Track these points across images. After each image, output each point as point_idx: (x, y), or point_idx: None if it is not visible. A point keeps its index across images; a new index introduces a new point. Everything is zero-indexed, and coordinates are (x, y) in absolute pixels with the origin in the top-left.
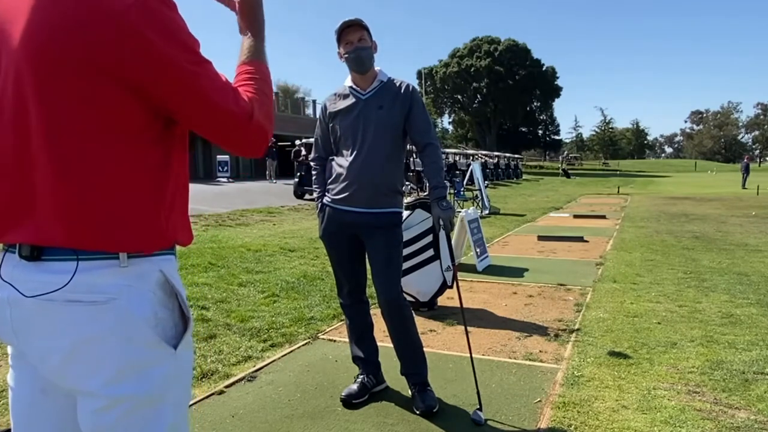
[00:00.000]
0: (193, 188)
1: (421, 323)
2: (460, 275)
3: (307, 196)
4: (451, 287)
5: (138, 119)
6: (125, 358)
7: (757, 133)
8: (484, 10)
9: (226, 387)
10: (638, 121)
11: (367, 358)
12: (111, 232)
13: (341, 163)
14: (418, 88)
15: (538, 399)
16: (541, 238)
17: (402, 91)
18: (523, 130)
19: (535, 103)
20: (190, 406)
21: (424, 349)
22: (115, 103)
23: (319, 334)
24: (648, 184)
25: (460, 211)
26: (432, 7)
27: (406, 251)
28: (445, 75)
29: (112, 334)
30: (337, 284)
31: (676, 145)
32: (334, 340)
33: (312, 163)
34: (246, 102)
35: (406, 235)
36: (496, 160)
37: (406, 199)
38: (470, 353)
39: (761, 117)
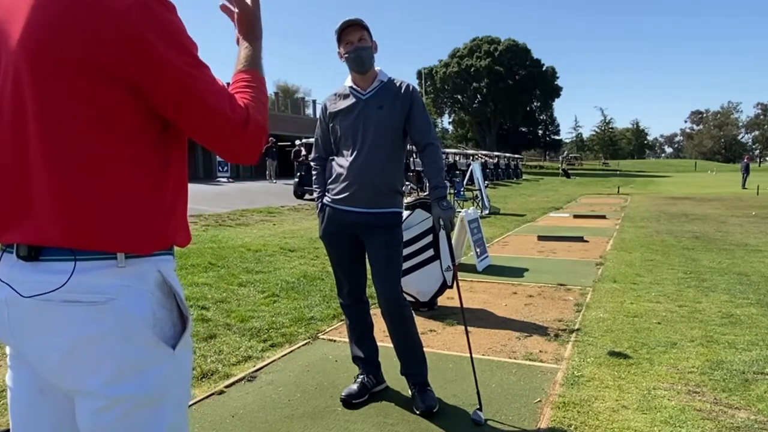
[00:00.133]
0: (193, 188)
1: (421, 323)
2: (460, 275)
3: (307, 196)
4: (451, 287)
5: (137, 120)
6: (124, 358)
7: (757, 133)
8: (484, 10)
9: (226, 387)
10: (638, 121)
11: (367, 358)
12: (109, 232)
13: (341, 163)
14: (418, 88)
15: (538, 399)
16: (541, 238)
17: (402, 91)
18: (523, 130)
19: (535, 103)
20: (190, 406)
21: (424, 349)
22: (113, 103)
23: (319, 334)
24: (648, 184)
25: (460, 211)
26: (432, 7)
27: (406, 251)
28: (445, 75)
29: (111, 335)
30: (337, 284)
31: (676, 145)
32: (334, 340)
33: (312, 163)
34: (242, 108)
35: (406, 235)
36: (496, 160)
37: (406, 199)
38: (470, 353)
39: (761, 117)
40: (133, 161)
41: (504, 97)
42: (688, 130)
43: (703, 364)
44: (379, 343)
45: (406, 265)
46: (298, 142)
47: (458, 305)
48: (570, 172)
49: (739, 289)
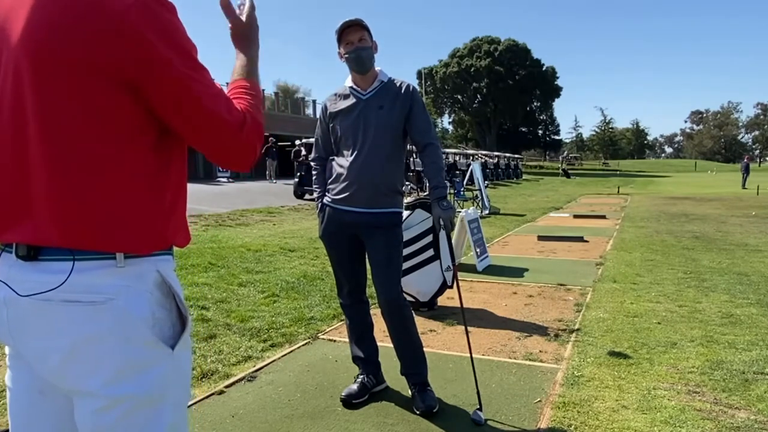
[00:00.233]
0: (193, 188)
1: (421, 323)
2: (460, 275)
3: (307, 196)
4: (451, 287)
5: (137, 120)
6: (124, 358)
7: (757, 133)
8: (484, 10)
9: (226, 387)
10: (638, 121)
11: (367, 358)
12: (109, 232)
13: (341, 163)
14: (418, 88)
15: (538, 399)
16: (541, 238)
17: (402, 91)
18: (523, 130)
19: (535, 103)
20: (190, 406)
21: (424, 349)
22: (113, 103)
23: (319, 334)
24: (648, 184)
25: (460, 211)
26: (432, 8)
27: (406, 251)
28: (445, 75)
29: (111, 335)
30: (337, 284)
31: (676, 145)
32: (334, 340)
33: (312, 163)
34: (239, 111)
35: (406, 235)
36: (496, 160)
37: (406, 199)
38: (470, 353)
39: (761, 117)
40: (133, 161)
41: (504, 97)
42: (688, 130)
43: (703, 364)
44: (379, 343)
45: (406, 265)
46: (298, 142)
47: (458, 305)
48: (570, 172)
49: (739, 289)
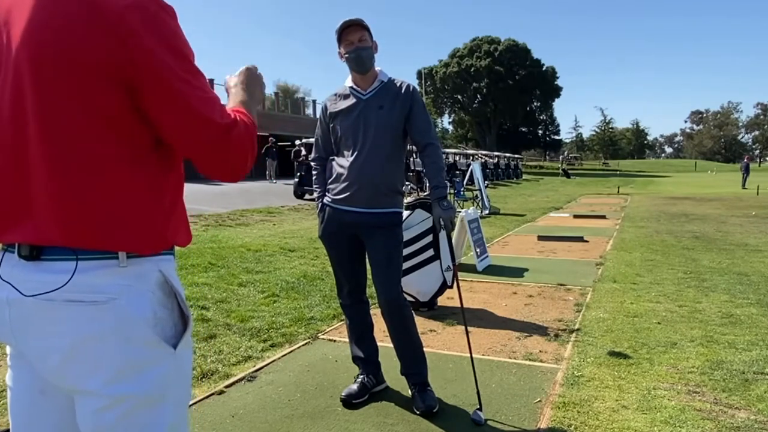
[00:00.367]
0: (193, 188)
1: (421, 323)
2: (460, 275)
3: (307, 196)
4: (451, 287)
5: (136, 120)
6: (125, 357)
7: (757, 133)
8: (484, 10)
9: (226, 387)
10: (638, 121)
11: (367, 358)
12: (109, 232)
13: (342, 163)
14: (418, 88)
15: (538, 399)
16: (541, 238)
17: (402, 91)
18: (523, 130)
19: (535, 103)
20: (190, 406)
21: (424, 349)
22: (113, 103)
23: (319, 334)
24: (648, 184)
25: (460, 211)
26: (432, 8)
27: (406, 251)
28: (445, 75)
29: (112, 334)
30: (337, 284)
31: (676, 145)
32: (334, 340)
33: (312, 163)
34: (231, 117)
35: (406, 235)
36: (496, 160)
37: (406, 199)
38: (470, 353)
39: (761, 117)
40: (133, 161)
41: (504, 97)
42: (688, 130)
43: (703, 364)
44: (379, 343)
45: (406, 265)
46: (298, 142)
47: (458, 305)
48: (570, 172)
49: (739, 289)
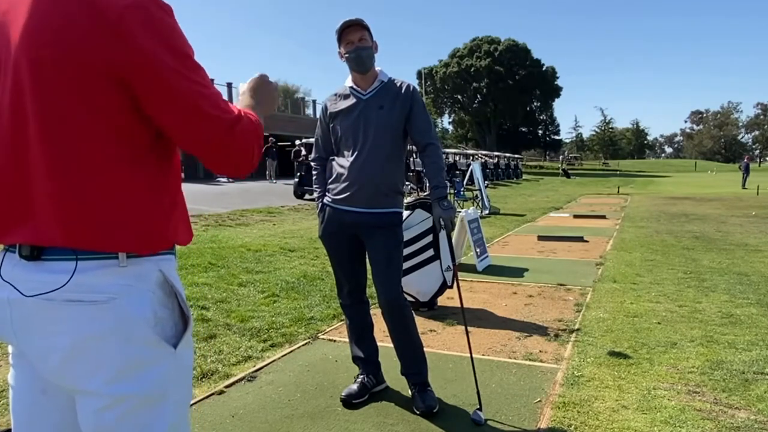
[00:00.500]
0: (193, 188)
1: (421, 323)
2: (460, 275)
3: (307, 196)
4: (451, 287)
5: (136, 120)
6: (125, 357)
7: (757, 133)
8: (484, 10)
9: (226, 387)
10: (638, 121)
11: (367, 358)
12: (110, 232)
13: (342, 163)
14: (418, 88)
15: (538, 399)
16: (541, 238)
17: (402, 91)
18: (523, 130)
19: (535, 103)
20: (190, 406)
21: (424, 349)
22: (113, 103)
23: (319, 334)
24: (648, 184)
25: (460, 211)
26: (432, 8)
27: (406, 251)
28: (445, 75)
29: (112, 334)
30: (337, 284)
31: (676, 145)
32: (334, 340)
33: (312, 163)
34: (234, 113)
35: (406, 235)
36: (496, 160)
37: (406, 199)
38: (470, 353)
39: (761, 117)
40: (133, 161)
41: (504, 97)
42: (688, 130)
43: (703, 364)
44: (379, 343)
45: (406, 265)
46: (298, 142)
47: (458, 305)
48: (570, 172)
49: (739, 289)
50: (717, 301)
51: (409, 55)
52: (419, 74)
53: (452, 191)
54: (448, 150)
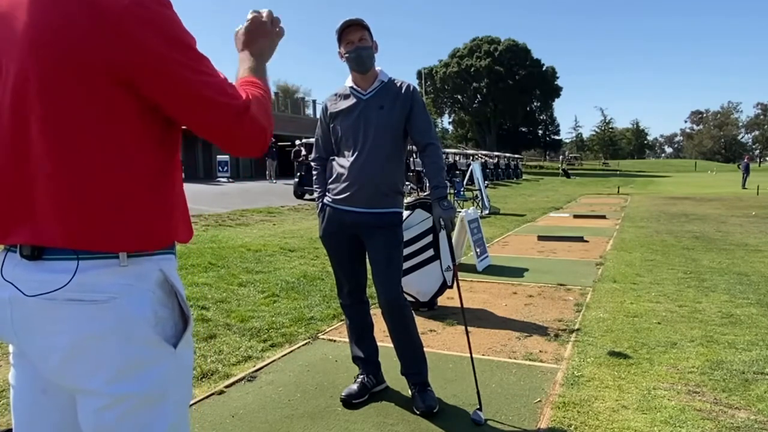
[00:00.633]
0: (193, 188)
1: (421, 323)
2: (460, 275)
3: (307, 196)
4: (451, 287)
5: (139, 119)
6: (125, 356)
7: (757, 133)
8: (484, 10)
9: (226, 387)
10: (638, 121)
11: (367, 358)
12: (111, 232)
13: (342, 163)
14: (418, 88)
15: (538, 399)
16: (541, 238)
17: (403, 91)
18: (523, 130)
19: (535, 103)
20: (190, 406)
21: (424, 349)
22: (115, 102)
23: (319, 334)
24: (648, 184)
25: (460, 211)
26: (432, 8)
27: (406, 251)
28: (445, 75)
29: (113, 333)
30: (337, 284)
31: (676, 145)
32: (334, 340)
33: (312, 163)
34: (243, 97)
35: (406, 235)
36: (496, 160)
37: (406, 199)
38: (470, 353)
39: (761, 117)
40: (135, 160)
41: (504, 97)
42: (688, 130)
43: (703, 364)
44: (379, 343)
45: (406, 265)
46: (298, 142)
47: (458, 305)
48: (570, 172)
49: (739, 289)
50: (717, 301)
51: (409, 55)
52: (419, 74)
53: (452, 191)
54: (448, 150)
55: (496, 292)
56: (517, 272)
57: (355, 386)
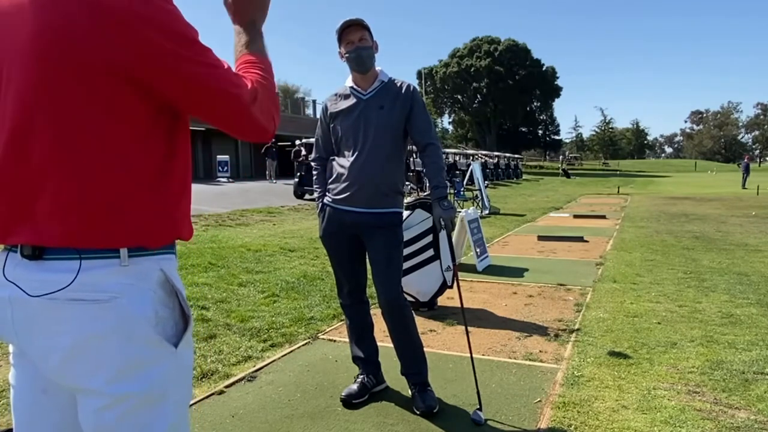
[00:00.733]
0: (193, 188)
1: (421, 323)
2: (460, 275)
3: (307, 196)
4: (451, 287)
5: (143, 117)
6: (126, 356)
7: (757, 133)
8: (484, 10)
9: (226, 387)
10: (638, 121)
11: (367, 358)
12: (111, 231)
13: (342, 163)
14: (418, 88)
15: (538, 399)
16: (541, 238)
17: (403, 91)
18: (523, 130)
19: (535, 103)
20: (190, 406)
21: (424, 349)
22: (120, 102)
23: (319, 334)
24: (648, 184)
25: (460, 211)
26: (432, 8)
27: (406, 251)
28: (445, 75)
29: (114, 333)
30: (337, 284)
31: (676, 145)
32: (334, 340)
33: (313, 163)
34: (248, 85)
35: (406, 235)
36: (496, 160)
37: (406, 199)
38: (470, 353)
39: (761, 117)
40: (138, 160)
41: (504, 97)
42: (688, 130)
43: (703, 364)
44: (379, 343)
45: (406, 265)
46: (298, 142)
47: (458, 305)
48: (570, 172)
49: (739, 289)
50: (717, 301)
51: (409, 55)
52: (419, 74)
53: (452, 191)
54: (448, 150)
55: (496, 292)
56: (517, 272)
57: (355, 386)
